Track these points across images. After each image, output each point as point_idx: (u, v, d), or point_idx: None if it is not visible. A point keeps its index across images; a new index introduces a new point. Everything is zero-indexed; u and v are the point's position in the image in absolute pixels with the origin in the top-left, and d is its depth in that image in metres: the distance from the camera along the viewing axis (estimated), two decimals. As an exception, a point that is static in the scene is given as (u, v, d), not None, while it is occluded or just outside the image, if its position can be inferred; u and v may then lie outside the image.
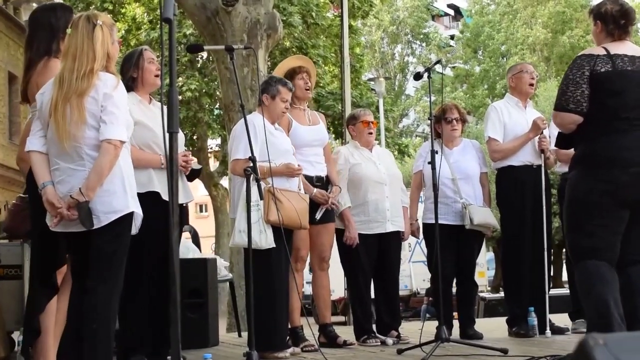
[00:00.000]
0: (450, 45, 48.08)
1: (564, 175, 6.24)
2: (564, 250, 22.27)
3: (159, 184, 5.34)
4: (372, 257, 6.60)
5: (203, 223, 32.95)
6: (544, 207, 6.54)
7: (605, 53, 4.47)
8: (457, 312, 6.92)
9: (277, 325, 5.67)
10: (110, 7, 19.26)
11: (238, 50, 5.58)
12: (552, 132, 6.25)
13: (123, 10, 20.53)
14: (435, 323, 5.89)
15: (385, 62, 45.87)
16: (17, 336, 5.57)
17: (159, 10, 3.40)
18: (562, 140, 4.82)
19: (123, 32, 19.87)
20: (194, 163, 5.71)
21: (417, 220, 6.92)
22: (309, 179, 6.18)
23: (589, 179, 4.41)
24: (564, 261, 23.81)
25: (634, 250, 4.44)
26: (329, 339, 6.35)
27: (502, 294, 8.76)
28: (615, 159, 4.34)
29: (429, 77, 5.94)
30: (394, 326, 6.68)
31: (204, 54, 20.76)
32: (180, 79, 19.82)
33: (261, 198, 5.18)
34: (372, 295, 6.81)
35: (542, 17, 38.94)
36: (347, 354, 5.85)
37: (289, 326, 6.06)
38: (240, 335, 7.87)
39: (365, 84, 23.91)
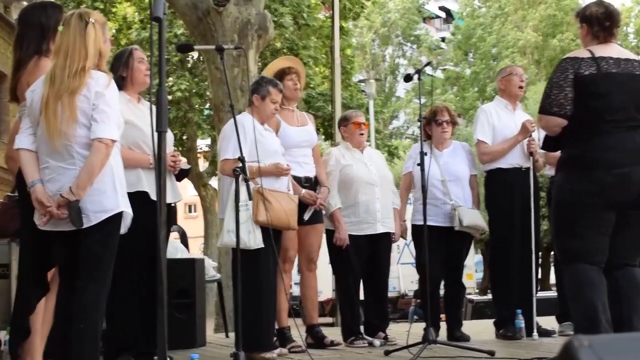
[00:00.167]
0: (441, 48, 48.13)
1: (553, 178, 6.26)
2: (552, 253, 22.35)
3: (148, 184, 5.33)
4: (362, 258, 6.60)
5: (192, 223, 32.91)
6: (533, 210, 6.55)
7: (590, 56, 4.47)
8: (445, 314, 6.93)
9: (265, 326, 5.66)
10: (101, 7, 19.21)
11: (228, 50, 5.58)
12: (541, 134, 6.25)
13: (114, 10, 20.49)
14: (423, 325, 5.90)
15: (375, 63, 45.88)
16: (3, 335, 5.55)
17: (149, 10, 3.38)
18: (549, 143, 4.83)
19: (114, 31, 19.82)
20: (183, 163, 5.70)
21: (405, 221, 6.92)
22: (297, 179, 6.18)
23: (574, 180, 4.42)
24: (552, 264, 23.90)
25: (621, 254, 4.45)
26: (316, 340, 6.35)
27: (489, 296, 8.76)
28: (599, 161, 4.35)
29: (419, 79, 5.95)
30: (382, 327, 6.68)
31: (195, 54, 20.75)
32: (170, 78, 19.81)
33: (250, 198, 5.18)
34: (362, 297, 6.80)
35: (532, 20, 39.04)
36: (334, 355, 5.85)
37: (277, 327, 6.06)
38: (227, 336, 7.86)
39: (355, 86, 23.93)
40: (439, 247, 6.50)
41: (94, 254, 4.02)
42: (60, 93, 3.98)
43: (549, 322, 7.04)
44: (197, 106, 21.42)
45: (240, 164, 5.05)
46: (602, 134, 4.38)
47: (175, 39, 18.84)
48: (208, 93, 19.42)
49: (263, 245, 5.47)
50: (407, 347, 5.52)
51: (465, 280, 7.28)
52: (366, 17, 37.79)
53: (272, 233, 5.38)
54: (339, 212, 6.50)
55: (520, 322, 6.48)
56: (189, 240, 8.69)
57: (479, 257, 30.39)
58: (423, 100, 6.26)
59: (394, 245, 7.03)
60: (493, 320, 6.93)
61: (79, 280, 3.99)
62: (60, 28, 4.17)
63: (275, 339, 5.93)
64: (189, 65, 21.34)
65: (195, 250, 21.41)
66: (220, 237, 5.57)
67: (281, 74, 6.39)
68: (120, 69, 5.40)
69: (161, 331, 3.09)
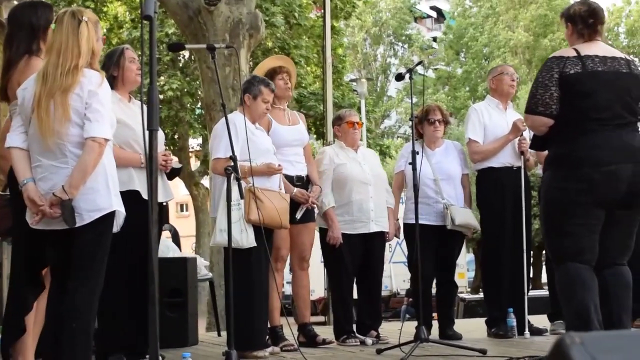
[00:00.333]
0: (433, 47, 48.17)
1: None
2: (543, 252, 22.39)
3: (140, 183, 5.33)
4: (356, 257, 6.60)
5: (184, 222, 32.86)
6: (524, 209, 6.56)
7: (575, 54, 4.48)
8: (437, 313, 6.94)
9: (257, 325, 5.67)
10: (92, 6, 19.15)
11: (220, 49, 5.58)
12: (531, 133, 6.27)
13: (105, 9, 20.45)
14: (415, 323, 5.91)
15: (367, 63, 45.92)
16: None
17: (140, 9, 3.38)
18: (537, 142, 4.84)
19: (105, 30, 19.76)
20: (174, 162, 5.70)
21: (397, 220, 6.93)
22: (289, 178, 6.19)
23: (562, 179, 4.42)
24: (544, 263, 23.95)
25: (610, 253, 4.45)
26: (308, 339, 6.35)
27: (481, 295, 8.78)
28: (585, 159, 4.35)
29: (410, 78, 5.96)
30: (374, 326, 6.69)
31: (186, 54, 20.72)
32: (162, 78, 19.78)
33: (242, 197, 5.17)
34: (355, 296, 6.80)
35: (524, 20, 39.09)
36: (326, 353, 5.86)
37: (269, 325, 6.06)
38: (219, 335, 7.85)
39: (347, 85, 23.93)
40: (431, 246, 6.51)
41: (86, 253, 4.01)
42: (52, 91, 3.97)
43: (540, 320, 7.06)
44: (188, 105, 21.38)
45: (232, 163, 5.04)
46: (588, 132, 4.38)
47: (166, 38, 18.81)
48: (199, 92, 19.40)
49: (255, 244, 5.48)
50: (399, 345, 5.53)
51: (457, 279, 7.29)
52: (357, 16, 37.77)
53: (264, 232, 5.38)
54: (333, 210, 6.51)
55: (512, 320, 6.50)
56: (180, 239, 8.68)
57: (470, 256, 30.43)
58: (414, 100, 6.26)
59: (386, 244, 7.03)
60: (485, 318, 6.95)
61: (71, 280, 3.98)
62: (52, 26, 4.16)
63: (267, 337, 5.94)
64: (181, 65, 21.31)
65: (187, 249, 21.37)
66: (213, 236, 5.57)
67: (272, 73, 6.39)
68: (111, 68, 5.39)
69: (153, 330, 3.09)
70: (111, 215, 4.07)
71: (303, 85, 20.41)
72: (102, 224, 4.03)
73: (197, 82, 18.89)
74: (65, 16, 4.10)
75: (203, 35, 10.72)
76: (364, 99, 23.23)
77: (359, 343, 6.40)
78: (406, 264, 9.90)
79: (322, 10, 17.09)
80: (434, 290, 6.87)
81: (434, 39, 49.87)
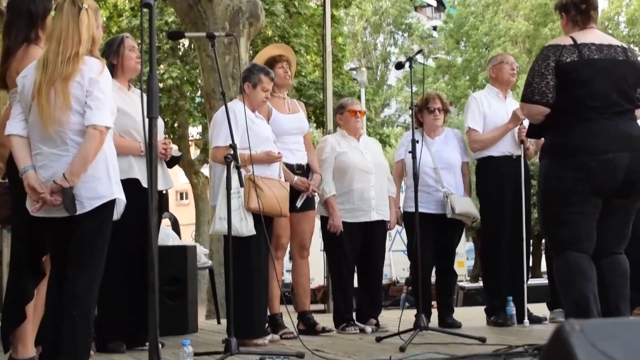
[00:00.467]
0: (433, 36, 48.09)
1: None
2: (543, 240, 22.40)
3: (139, 171, 5.35)
4: (356, 245, 6.60)
5: (183, 211, 32.87)
6: (523, 198, 6.56)
7: (571, 43, 4.46)
8: (436, 301, 6.95)
9: (256, 313, 5.67)
10: (92, -7, 19.10)
11: (219, 38, 5.57)
12: (531, 122, 6.28)
13: (104, -3, 20.43)
14: (414, 312, 5.91)
15: (367, 52, 45.84)
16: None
17: (140, -3, 3.37)
18: (533, 130, 4.83)
19: (104, 19, 19.74)
20: (174, 150, 5.71)
21: (399, 208, 6.93)
22: (289, 167, 6.19)
23: (558, 167, 4.41)
24: (543, 251, 23.95)
25: (606, 242, 4.44)
26: (307, 327, 6.36)
27: (481, 283, 8.79)
28: (583, 147, 4.33)
29: (410, 66, 5.95)
30: (374, 314, 6.70)
31: (186, 42, 20.70)
32: (161, 66, 19.76)
33: (241, 185, 5.17)
34: (355, 284, 6.81)
35: (524, 9, 39.00)
36: (325, 341, 5.86)
37: (268, 313, 6.07)
38: (219, 323, 7.86)
39: (347, 74, 23.92)
40: (431, 234, 6.51)
41: (87, 241, 4.01)
42: (53, 79, 3.96)
43: (539, 309, 7.06)
44: (188, 94, 21.38)
45: (232, 151, 5.04)
46: (585, 120, 4.37)
47: (166, 27, 18.79)
48: (199, 81, 19.39)
49: (255, 233, 5.48)
50: (399, 333, 5.53)
51: (456, 267, 7.29)
52: (357, 5, 37.63)
53: (263, 220, 5.38)
54: (333, 199, 6.51)
55: (511, 309, 6.50)
56: (180, 227, 8.69)
57: (470, 245, 30.45)
58: (414, 89, 6.25)
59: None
60: (484, 307, 6.95)
61: (71, 267, 3.97)
62: (52, 14, 4.15)
63: (267, 325, 5.95)
64: (180, 53, 21.29)
65: (187, 237, 21.38)
66: (212, 225, 5.57)
67: (272, 62, 6.38)
68: (111, 57, 5.40)
69: (153, 317, 3.09)
70: (112, 203, 4.07)
71: (303, 74, 20.40)
72: (103, 211, 4.03)
73: (197, 71, 18.87)
74: (65, 3, 4.09)
75: (203, 24, 10.71)
76: (364, 88, 23.19)
77: (358, 331, 6.41)
78: (406, 252, 9.90)
79: (322, -1, 17.05)
80: (433, 279, 6.87)
81: (434, 28, 49.78)
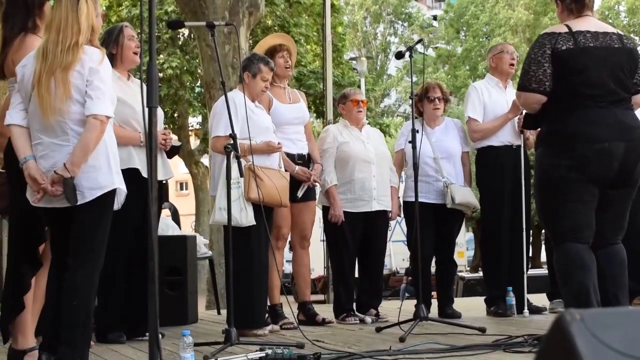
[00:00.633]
0: (433, 26, 48.01)
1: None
2: (543, 230, 22.41)
3: (139, 161, 5.35)
4: (357, 235, 6.60)
5: (183, 201, 32.93)
6: (523, 187, 6.56)
7: (567, 30, 4.42)
8: (436, 292, 6.95)
9: (256, 303, 5.68)
10: (91, -17, 19.06)
11: (219, 27, 5.56)
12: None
13: (104, -14, 20.39)
14: (414, 302, 5.92)
15: (367, 41, 45.77)
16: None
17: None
18: (529, 120, 4.81)
19: (104, 8, 19.71)
20: (174, 140, 5.71)
21: (399, 197, 6.93)
22: (290, 157, 6.19)
23: (554, 155, 4.37)
24: (543, 242, 23.97)
25: (603, 233, 4.41)
26: (308, 317, 6.37)
27: (480, 273, 8.80)
28: (579, 135, 4.30)
29: (410, 56, 5.93)
30: (374, 305, 6.70)
31: (186, 32, 20.67)
32: (161, 56, 19.74)
33: (241, 175, 5.17)
34: (355, 274, 6.81)
35: (524, -2, 38.92)
36: (325, 331, 5.87)
37: (269, 304, 6.08)
38: (219, 313, 7.87)
39: (347, 64, 23.90)
40: (431, 224, 6.52)
41: (87, 231, 4.00)
42: (53, 69, 3.95)
43: (539, 299, 7.07)
44: (188, 84, 21.36)
45: (232, 141, 5.04)
46: (581, 108, 4.32)
47: (165, 16, 18.76)
48: (199, 70, 19.38)
49: (255, 223, 5.48)
50: (399, 323, 5.54)
51: (456, 257, 7.29)
52: (357, -6, 37.69)
53: (263, 210, 5.38)
54: (335, 189, 6.51)
55: (511, 299, 6.51)
56: (180, 217, 8.70)
57: (470, 235, 30.47)
58: (414, 79, 6.25)
59: (386, 223, 7.02)
60: (484, 297, 6.96)
61: (71, 258, 3.97)
62: (51, 3, 4.13)
63: (267, 315, 5.95)
64: (180, 43, 21.27)
65: (187, 227, 21.41)
66: (212, 215, 5.57)
67: (272, 52, 6.38)
68: (110, 46, 5.39)
69: (153, 308, 3.09)
70: (112, 193, 4.06)
71: (303, 63, 20.38)
72: (104, 201, 4.02)
73: (197, 60, 18.85)
74: (64, -8, 4.07)
75: (202, 13, 10.69)
76: (364, 78, 23.18)
77: (358, 321, 6.41)
78: (405, 242, 9.91)
79: (322, -12, 17.00)
80: (433, 269, 6.87)
81: (434, 17, 49.70)
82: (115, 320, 5.51)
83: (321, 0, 17.43)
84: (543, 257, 22.78)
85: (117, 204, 4.15)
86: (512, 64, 6.86)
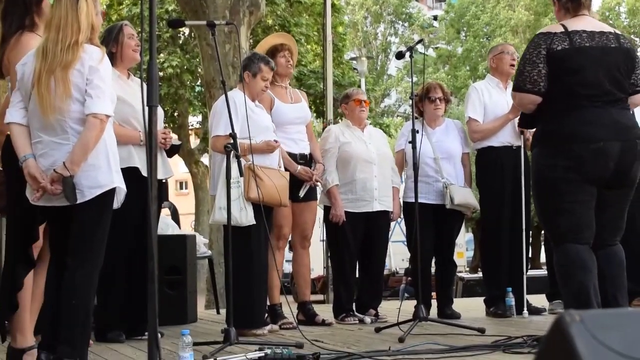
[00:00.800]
0: (433, 26, 47.98)
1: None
2: (542, 231, 22.41)
3: (139, 160, 5.35)
4: (358, 236, 6.60)
5: (183, 200, 32.91)
6: (523, 188, 6.55)
7: (562, 30, 4.41)
8: (436, 292, 6.95)
9: (256, 303, 5.68)
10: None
11: (220, 26, 5.55)
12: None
13: (104, -15, 20.38)
14: (414, 302, 5.91)
15: (367, 41, 45.74)
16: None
17: (140, -15, 3.35)
18: (525, 120, 4.80)
19: (104, 7, 19.71)
20: (174, 139, 5.71)
21: (399, 198, 6.92)
22: (292, 156, 6.19)
23: (549, 156, 4.35)
24: (543, 242, 23.96)
25: (601, 235, 4.39)
26: (307, 317, 6.37)
27: (480, 274, 8.80)
28: (575, 135, 4.28)
29: (411, 56, 5.93)
30: (374, 305, 6.70)
31: (186, 31, 20.67)
32: (161, 55, 19.73)
33: (241, 175, 5.17)
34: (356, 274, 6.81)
35: (524, -1, 38.90)
36: (325, 331, 5.87)
37: (268, 303, 6.07)
38: (218, 312, 7.88)
39: (347, 63, 23.87)
40: (431, 225, 6.52)
41: (87, 230, 4.00)
42: (53, 67, 3.94)
43: (539, 300, 7.07)
44: (188, 83, 21.34)
45: (232, 141, 5.03)
46: (577, 108, 4.30)
47: (166, 15, 18.76)
48: (199, 70, 19.36)
49: (254, 222, 5.47)
50: (398, 324, 5.54)
51: (456, 258, 7.28)
52: (358, -6, 37.67)
53: (263, 210, 5.38)
54: (336, 189, 6.51)
55: (511, 300, 6.51)
56: (180, 217, 8.70)
57: (469, 236, 30.43)
58: (415, 79, 6.24)
59: (386, 224, 7.02)
60: (483, 298, 6.96)
61: (71, 257, 3.97)
62: (50, 1, 4.13)
63: (266, 315, 5.95)
64: (181, 42, 21.25)
65: (187, 227, 21.39)
66: (212, 214, 5.57)
67: (274, 51, 6.38)
68: (110, 45, 5.38)
69: (152, 307, 3.08)
70: (112, 192, 4.06)
71: (303, 63, 20.37)
72: (103, 200, 4.02)
73: (197, 60, 18.84)
74: (63, -9, 4.06)
75: (203, 12, 10.69)
76: (364, 78, 23.17)
77: (357, 322, 6.41)
78: (405, 243, 9.90)
79: (323, -12, 16.99)
80: (433, 270, 6.87)
81: (435, 18, 49.68)
82: (115, 319, 5.51)
83: (322, 0, 17.42)
84: (543, 258, 22.76)
85: (117, 202, 4.14)
86: (512, 65, 6.85)
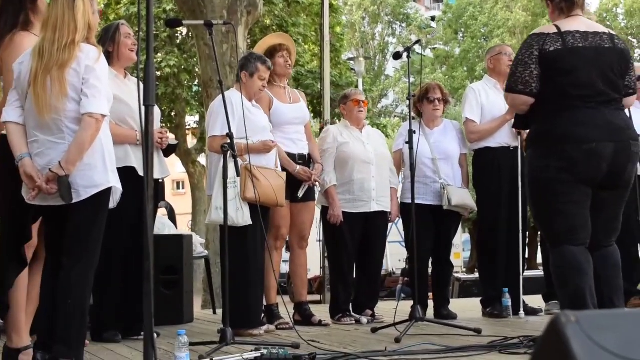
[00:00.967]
0: (431, 27, 48.00)
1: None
2: (539, 232, 22.43)
3: (135, 159, 5.35)
4: (356, 236, 6.59)
5: (180, 200, 32.91)
6: (520, 189, 6.55)
7: (555, 31, 4.39)
8: (432, 292, 6.95)
9: (252, 303, 5.67)
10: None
11: (217, 26, 5.56)
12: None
13: (102, -15, 20.37)
14: (410, 303, 5.91)
15: (365, 42, 45.74)
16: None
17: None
18: (520, 121, 4.79)
19: (102, 6, 19.70)
20: (171, 139, 5.71)
21: (397, 198, 6.93)
22: (291, 156, 6.19)
23: (543, 157, 4.33)
24: (539, 243, 23.96)
25: (597, 237, 4.38)
26: (304, 318, 6.36)
27: (477, 275, 8.80)
28: (568, 136, 4.27)
29: (408, 57, 5.92)
30: (370, 305, 6.70)
31: (184, 30, 20.67)
32: (159, 54, 19.72)
33: (238, 175, 5.17)
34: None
35: (522, 0, 38.91)
36: (321, 332, 5.86)
37: (265, 304, 6.07)
38: (215, 313, 7.87)
39: (345, 64, 23.88)
40: (428, 225, 6.52)
41: (83, 230, 4.00)
42: (49, 67, 3.94)
43: (535, 300, 7.07)
44: (185, 83, 21.34)
45: (229, 141, 5.03)
46: (569, 109, 4.29)
47: (163, 15, 18.76)
48: (197, 69, 19.35)
49: (251, 222, 5.47)
50: (394, 324, 5.53)
51: (452, 258, 7.28)
52: (356, -6, 37.67)
53: (260, 210, 5.37)
54: (334, 189, 6.50)
55: (507, 300, 6.51)
56: (176, 216, 8.70)
57: (466, 236, 30.47)
58: (412, 79, 6.24)
59: (384, 224, 7.02)
60: (480, 298, 6.96)
61: (66, 256, 3.96)
62: (47, 0, 4.12)
63: (263, 315, 5.94)
64: (178, 42, 21.25)
65: (183, 227, 21.39)
66: (208, 214, 5.57)
67: (272, 51, 6.38)
68: (106, 44, 5.38)
69: (148, 307, 3.08)
70: (108, 192, 4.06)
71: (301, 63, 20.36)
72: (99, 200, 4.01)
73: (195, 59, 18.85)
74: (60, -10, 4.06)
75: (201, 12, 10.68)
76: (362, 78, 23.18)
77: (354, 322, 6.41)
78: (402, 243, 9.91)
79: (321, -12, 17.00)
80: (429, 270, 6.87)
81: (433, 18, 49.69)
82: (111, 319, 5.50)
83: (319, 0, 17.43)
84: (539, 258, 22.79)
85: (113, 202, 4.14)
86: (509, 66, 6.84)
